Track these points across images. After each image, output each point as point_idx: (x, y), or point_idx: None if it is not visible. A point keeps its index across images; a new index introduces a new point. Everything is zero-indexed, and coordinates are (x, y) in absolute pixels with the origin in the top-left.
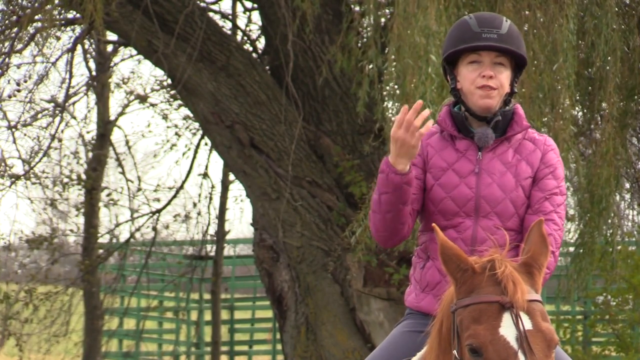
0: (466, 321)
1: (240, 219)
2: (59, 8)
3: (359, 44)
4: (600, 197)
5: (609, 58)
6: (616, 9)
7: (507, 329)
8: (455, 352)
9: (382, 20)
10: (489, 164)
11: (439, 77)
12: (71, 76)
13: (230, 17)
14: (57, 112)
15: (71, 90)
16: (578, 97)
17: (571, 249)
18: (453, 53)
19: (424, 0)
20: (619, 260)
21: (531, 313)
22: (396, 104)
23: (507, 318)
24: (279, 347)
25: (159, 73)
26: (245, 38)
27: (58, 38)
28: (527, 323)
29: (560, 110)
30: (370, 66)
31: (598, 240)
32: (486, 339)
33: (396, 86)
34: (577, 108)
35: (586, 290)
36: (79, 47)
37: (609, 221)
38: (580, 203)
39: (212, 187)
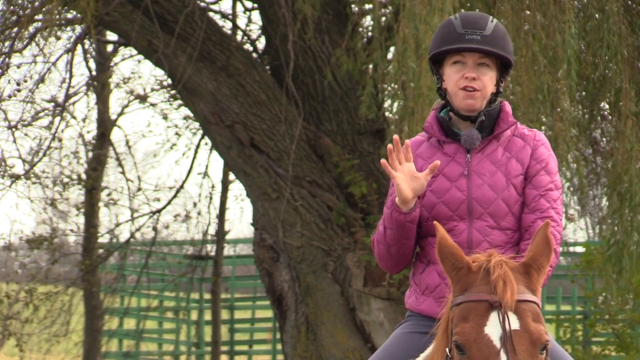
0: (456, 319)
1: (240, 219)
2: (59, 8)
3: (362, 45)
4: (632, 194)
5: (617, 56)
6: (623, 9)
7: (492, 328)
8: (447, 349)
9: (383, 19)
10: (479, 165)
11: None
12: (71, 76)
13: (230, 17)
14: (57, 112)
15: (71, 90)
16: (578, 97)
17: (576, 248)
18: (439, 53)
19: (435, 1)
20: None
21: (520, 313)
22: (401, 103)
23: (493, 317)
24: (279, 347)
25: (159, 73)
26: (246, 38)
27: (58, 38)
28: (514, 323)
29: (560, 111)
30: (371, 66)
31: (634, 239)
32: (471, 337)
33: (403, 87)
34: (578, 107)
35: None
36: (79, 47)
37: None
38: (610, 201)
39: (212, 186)
